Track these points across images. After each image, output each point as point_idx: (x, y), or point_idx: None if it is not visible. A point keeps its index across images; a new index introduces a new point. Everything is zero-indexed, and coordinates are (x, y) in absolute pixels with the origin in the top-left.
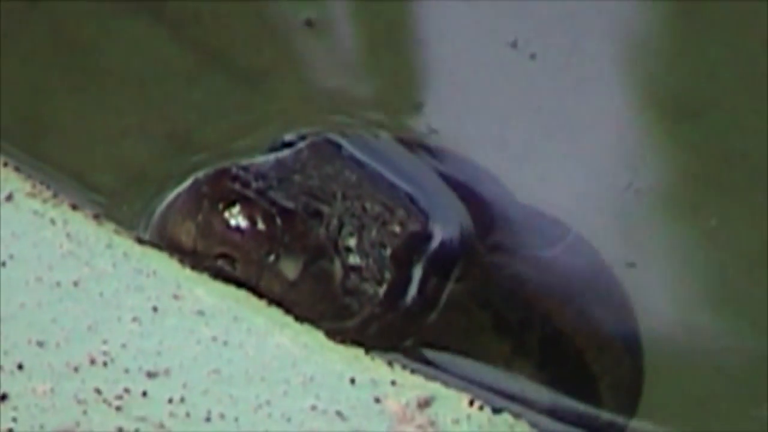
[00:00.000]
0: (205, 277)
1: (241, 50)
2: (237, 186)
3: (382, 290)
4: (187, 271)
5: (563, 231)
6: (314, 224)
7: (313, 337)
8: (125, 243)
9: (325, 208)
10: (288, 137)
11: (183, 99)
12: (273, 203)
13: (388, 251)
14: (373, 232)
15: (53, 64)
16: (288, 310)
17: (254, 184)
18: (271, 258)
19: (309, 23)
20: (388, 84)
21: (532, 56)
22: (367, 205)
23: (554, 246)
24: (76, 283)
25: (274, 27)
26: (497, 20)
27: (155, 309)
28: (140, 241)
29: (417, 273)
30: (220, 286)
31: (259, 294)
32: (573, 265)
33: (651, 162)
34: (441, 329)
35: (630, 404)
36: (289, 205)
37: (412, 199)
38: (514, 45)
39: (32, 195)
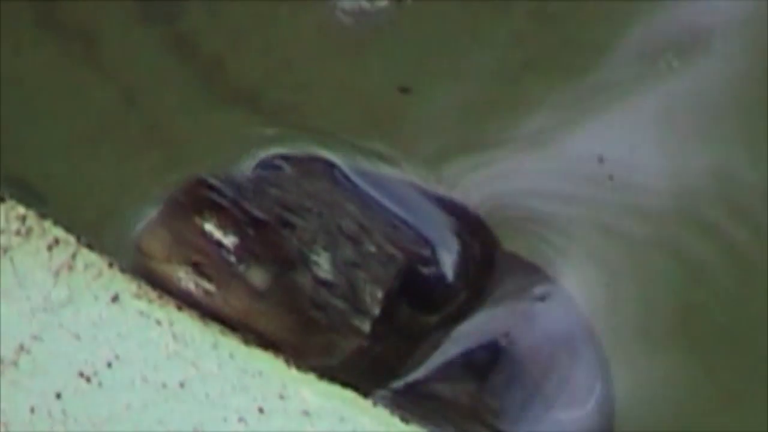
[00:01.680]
0: (311, 377)
1: (346, 135)
2: (212, 195)
3: (359, 317)
4: (293, 372)
5: (545, 282)
6: (286, 236)
7: None
8: (231, 343)
9: (299, 222)
10: (276, 155)
11: None
12: (246, 213)
13: (362, 273)
14: (348, 251)
15: (147, 163)
16: (255, 322)
17: (229, 194)
18: (241, 267)
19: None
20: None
21: (610, 177)
22: (343, 224)
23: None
24: (182, 384)
25: (380, 117)
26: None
27: (261, 410)
28: (246, 341)
29: (391, 301)
30: (326, 387)
31: (362, 394)
32: (548, 314)
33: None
34: (414, 365)
35: None
36: (263, 216)
37: (395, 225)
38: (600, 160)
39: (138, 296)
